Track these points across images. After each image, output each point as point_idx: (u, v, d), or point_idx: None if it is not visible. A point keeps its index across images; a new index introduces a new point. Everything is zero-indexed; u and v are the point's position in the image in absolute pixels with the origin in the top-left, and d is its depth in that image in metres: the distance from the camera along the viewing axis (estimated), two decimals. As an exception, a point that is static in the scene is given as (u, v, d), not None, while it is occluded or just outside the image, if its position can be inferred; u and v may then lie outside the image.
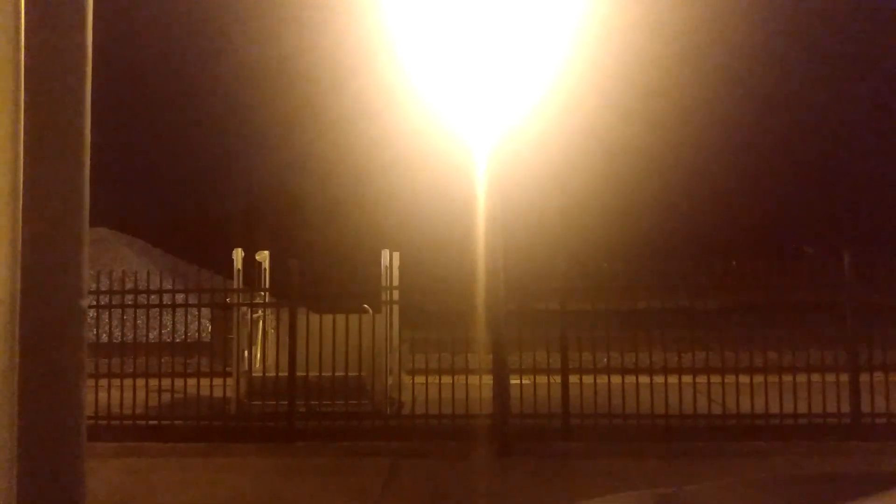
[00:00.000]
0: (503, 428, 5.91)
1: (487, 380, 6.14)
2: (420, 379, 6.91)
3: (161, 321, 6.75)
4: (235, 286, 7.23)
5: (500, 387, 5.95)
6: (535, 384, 6.32)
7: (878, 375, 6.10)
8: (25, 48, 2.42)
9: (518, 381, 6.34)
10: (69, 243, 2.44)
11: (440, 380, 6.38)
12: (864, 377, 6.06)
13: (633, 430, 6.12)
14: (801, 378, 6.09)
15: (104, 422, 6.36)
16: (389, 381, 6.96)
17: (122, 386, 6.53)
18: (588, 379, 6.21)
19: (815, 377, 6.08)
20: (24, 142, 2.39)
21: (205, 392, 6.87)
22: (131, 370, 6.70)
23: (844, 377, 6.12)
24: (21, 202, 2.36)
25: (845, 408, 6.07)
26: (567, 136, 12.11)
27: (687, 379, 6.20)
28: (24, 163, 2.38)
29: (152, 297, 6.74)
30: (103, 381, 6.47)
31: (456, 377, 6.30)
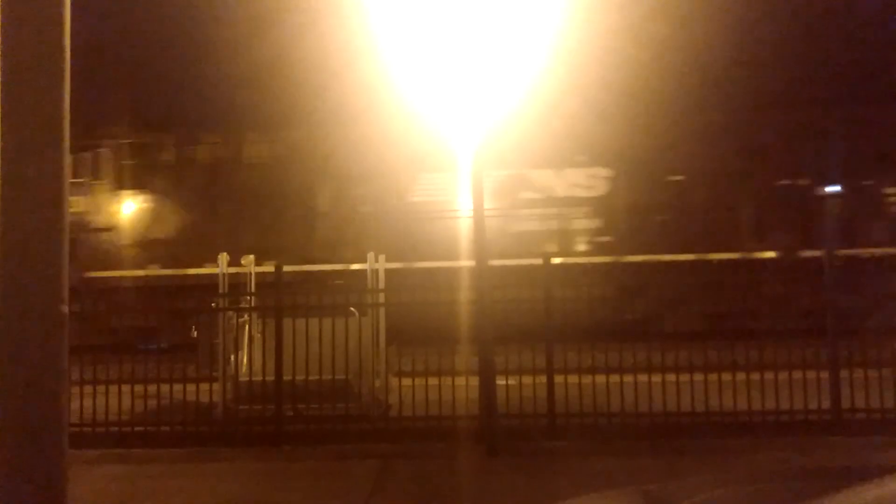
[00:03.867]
0: (490, 428, 5.93)
1: (474, 380, 6.16)
2: (407, 381, 6.91)
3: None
4: (221, 290, 7.20)
5: (487, 387, 5.96)
6: (520, 384, 6.34)
7: (858, 371, 6.17)
8: (2, 51, 2.41)
9: (504, 382, 6.36)
10: (50, 249, 2.43)
11: (427, 381, 6.39)
12: (843, 373, 6.14)
13: (618, 429, 6.16)
14: (783, 375, 6.15)
15: (88, 428, 6.31)
16: (376, 384, 6.96)
17: (107, 391, 6.49)
18: (573, 378, 6.24)
19: (797, 374, 6.15)
20: (2, 145, 2.38)
21: (191, 397, 6.84)
22: (116, 375, 6.65)
23: (825, 373, 6.20)
24: (0, 208, 2.35)
25: (826, 404, 6.14)
26: (548, 137, 12.13)
27: (671, 377, 6.24)
28: (3, 168, 2.37)
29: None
30: (88, 387, 6.43)
31: (442, 378, 6.32)
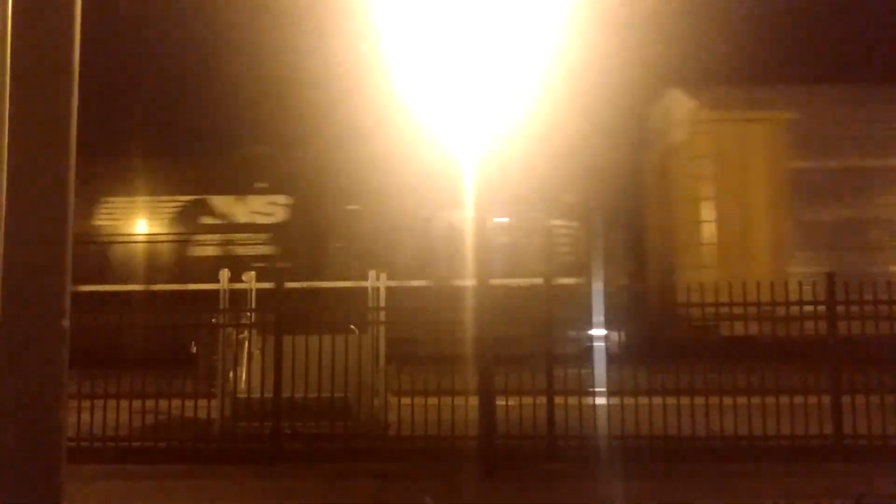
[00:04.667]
0: (489, 449, 5.90)
1: (474, 400, 6.13)
2: (406, 399, 6.88)
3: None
4: (221, 306, 7.20)
5: (486, 408, 5.94)
6: (520, 405, 6.31)
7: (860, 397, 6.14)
8: (11, 61, 2.42)
9: (504, 402, 6.33)
10: (53, 263, 2.43)
11: (426, 401, 6.36)
12: (845, 399, 6.12)
13: (618, 452, 6.11)
14: (785, 399, 6.12)
15: (86, 443, 6.28)
16: (376, 402, 6.93)
17: (104, 406, 6.46)
18: (573, 399, 6.22)
19: (798, 399, 6.12)
20: (8, 157, 2.39)
21: (189, 413, 6.81)
22: (115, 390, 6.63)
23: (826, 399, 6.17)
24: (3, 221, 2.35)
25: (828, 429, 6.10)
26: (549, 154, 12.18)
27: (672, 400, 6.21)
28: (8, 181, 2.37)
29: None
30: (86, 402, 6.41)
31: (442, 398, 6.29)
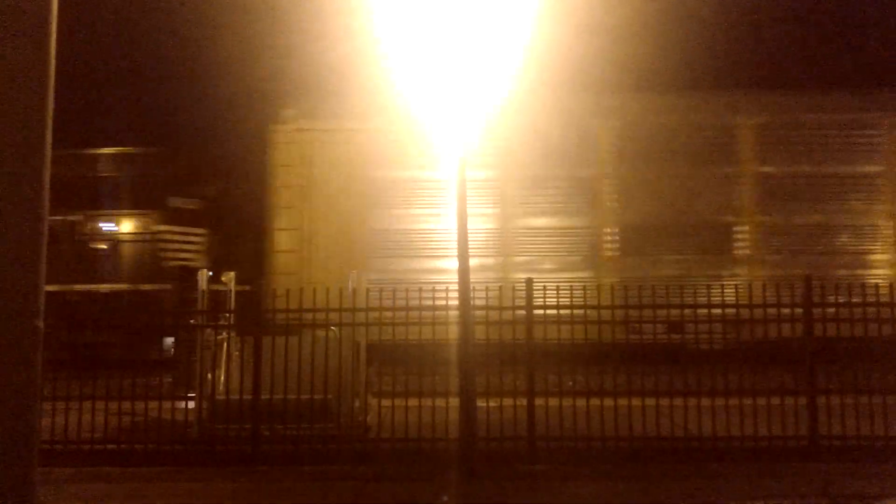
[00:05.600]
0: (469, 451, 5.89)
1: (454, 402, 6.13)
2: (387, 401, 6.86)
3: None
4: (200, 307, 7.14)
5: (467, 410, 5.93)
6: (501, 407, 6.33)
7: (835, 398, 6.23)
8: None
9: (485, 404, 6.34)
10: (26, 263, 2.40)
11: (407, 402, 6.35)
12: (820, 400, 6.20)
13: (598, 453, 6.15)
14: (761, 401, 6.20)
15: (59, 445, 6.19)
16: (356, 404, 6.91)
17: (80, 408, 6.38)
18: (554, 401, 6.24)
19: (775, 400, 6.20)
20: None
21: (167, 415, 6.74)
22: (90, 391, 6.55)
23: (802, 400, 6.25)
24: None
25: (803, 430, 6.18)
26: (533, 151, 12.18)
27: (650, 402, 6.26)
28: (-19, 181, 2.34)
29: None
30: (60, 404, 6.33)
31: (423, 400, 6.28)
